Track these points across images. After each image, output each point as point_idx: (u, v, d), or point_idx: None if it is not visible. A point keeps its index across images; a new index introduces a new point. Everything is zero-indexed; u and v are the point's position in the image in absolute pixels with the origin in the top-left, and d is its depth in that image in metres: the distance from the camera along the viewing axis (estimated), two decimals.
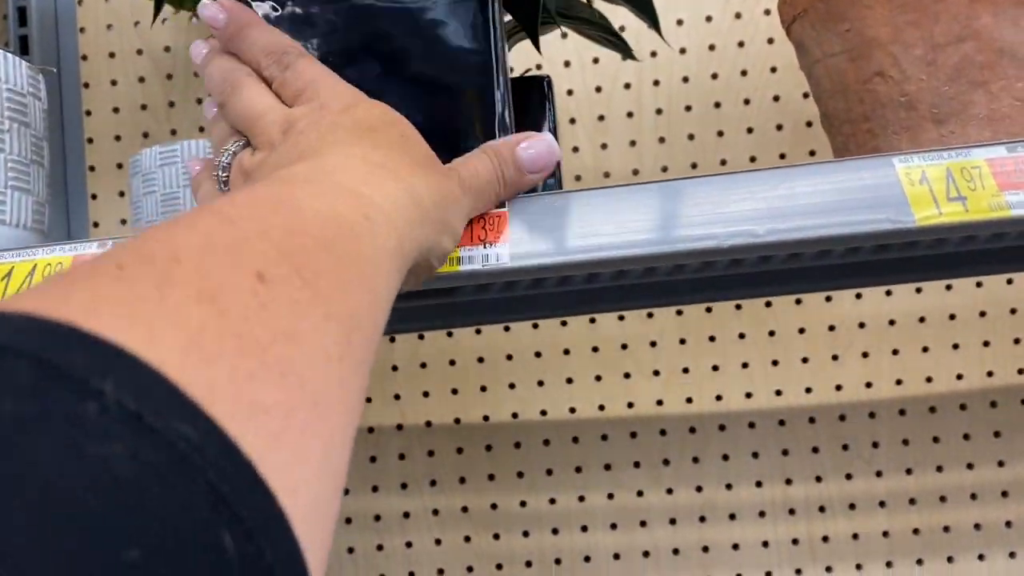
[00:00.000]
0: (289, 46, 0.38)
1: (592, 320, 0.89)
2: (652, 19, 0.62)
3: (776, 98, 0.88)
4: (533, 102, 0.58)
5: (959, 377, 0.87)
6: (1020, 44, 0.42)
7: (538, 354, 0.89)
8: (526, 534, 0.88)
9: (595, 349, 0.89)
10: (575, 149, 0.89)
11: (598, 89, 0.89)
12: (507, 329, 0.90)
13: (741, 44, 0.88)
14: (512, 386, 0.89)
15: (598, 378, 0.89)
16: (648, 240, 0.38)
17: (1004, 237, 0.46)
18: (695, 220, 0.38)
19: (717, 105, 0.89)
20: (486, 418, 0.89)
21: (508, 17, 0.53)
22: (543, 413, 0.89)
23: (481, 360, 0.90)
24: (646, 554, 0.87)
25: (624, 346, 0.89)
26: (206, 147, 0.71)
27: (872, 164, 0.38)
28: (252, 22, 0.38)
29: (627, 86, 0.89)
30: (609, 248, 0.38)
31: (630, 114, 0.89)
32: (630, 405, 0.89)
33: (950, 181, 0.37)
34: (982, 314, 0.87)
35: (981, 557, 0.86)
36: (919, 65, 0.43)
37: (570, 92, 0.89)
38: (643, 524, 0.88)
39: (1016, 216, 0.37)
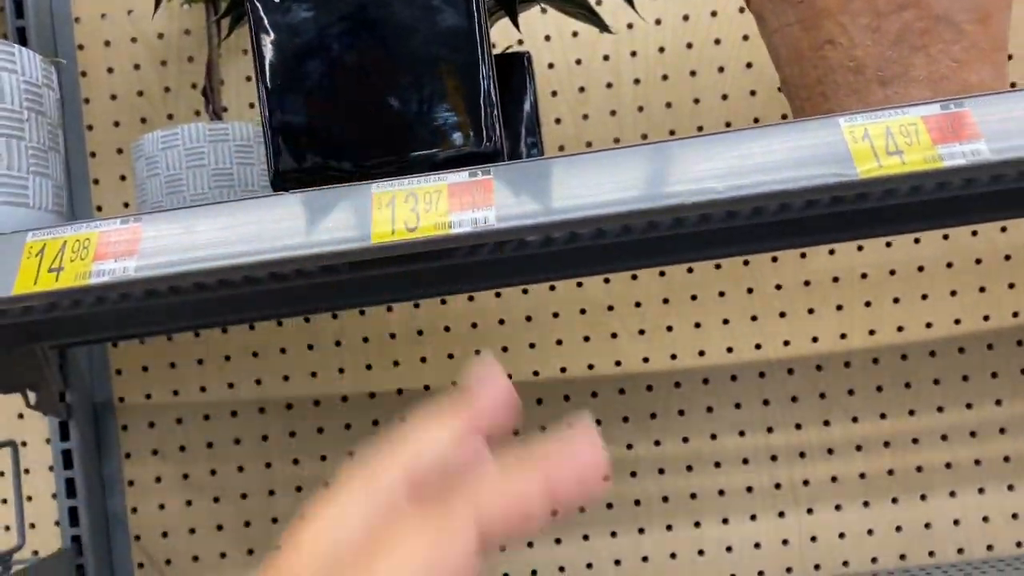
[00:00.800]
0: (473, 486, 0.28)
1: (579, 284, 0.93)
2: None
3: (749, 65, 0.92)
4: (514, 78, 0.62)
5: (928, 326, 0.91)
6: (955, 11, 0.46)
7: (528, 318, 0.94)
8: None
9: (583, 311, 0.93)
10: (557, 120, 0.93)
11: (578, 61, 0.93)
12: (498, 295, 0.94)
13: (714, 14, 0.92)
14: (505, 349, 0.94)
15: (586, 339, 0.93)
16: (620, 199, 0.42)
17: (947, 187, 0.50)
18: (663, 180, 0.42)
19: (693, 74, 0.93)
20: None
21: None
22: (535, 374, 0.94)
23: (475, 326, 0.94)
24: (637, 503, 0.92)
25: (610, 308, 0.93)
26: (206, 131, 0.74)
27: (820, 124, 0.42)
28: (480, 421, 0.31)
29: (606, 58, 0.93)
30: (585, 208, 0.42)
31: (609, 85, 0.93)
32: (618, 363, 0.93)
33: (889, 137, 0.42)
34: (949, 265, 0.91)
35: (953, 494, 0.91)
36: (865, 32, 0.47)
37: (551, 65, 0.93)
38: (633, 475, 0.93)
39: (948, 167, 0.41)
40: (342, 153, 0.46)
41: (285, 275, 0.52)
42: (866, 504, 0.92)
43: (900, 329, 0.92)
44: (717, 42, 0.92)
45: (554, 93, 0.93)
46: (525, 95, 0.61)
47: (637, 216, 0.42)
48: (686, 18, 0.92)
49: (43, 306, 0.53)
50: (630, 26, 0.92)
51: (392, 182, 0.44)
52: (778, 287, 0.92)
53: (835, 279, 0.92)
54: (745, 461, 0.92)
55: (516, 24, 0.59)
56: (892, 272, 0.92)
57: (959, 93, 0.47)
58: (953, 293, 0.91)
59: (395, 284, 0.73)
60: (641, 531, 0.92)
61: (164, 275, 0.43)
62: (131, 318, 0.74)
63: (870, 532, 0.91)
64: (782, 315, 0.92)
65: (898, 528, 0.91)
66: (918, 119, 0.42)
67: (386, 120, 0.46)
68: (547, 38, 0.93)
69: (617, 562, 0.93)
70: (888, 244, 0.92)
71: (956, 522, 0.91)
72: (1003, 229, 0.91)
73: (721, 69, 0.92)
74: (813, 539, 0.92)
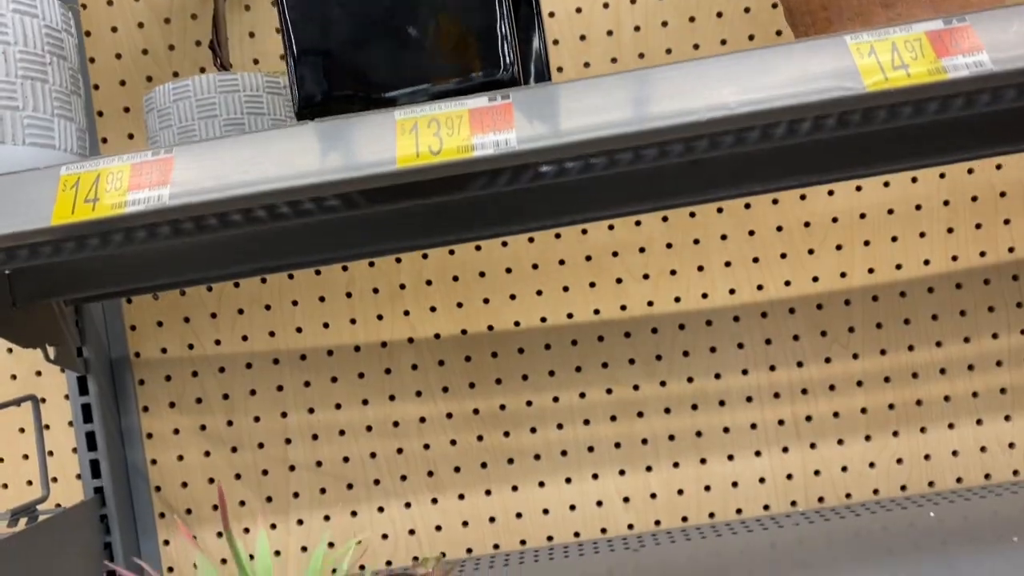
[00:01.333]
0: None
1: (584, 232, 0.95)
2: None
3: (747, 10, 0.93)
4: (522, 18, 0.63)
5: (926, 263, 0.94)
6: None
7: (535, 266, 0.95)
8: (533, 430, 0.95)
9: (588, 258, 0.95)
10: (560, 69, 0.94)
11: (578, 10, 0.94)
12: (504, 244, 0.95)
13: None
14: (513, 297, 0.96)
15: (592, 284, 0.95)
16: (639, 116, 0.43)
17: (950, 107, 0.52)
18: (681, 98, 0.44)
19: (692, 20, 0.94)
20: (490, 327, 0.96)
21: None
22: (543, 320, 0.95)
23: (482, 275, 0.96)
24: (644, 442, 0.95)
25: (615, 253, 0.95)
26: (216, 82, 0.75)
27: (827, 43, 0.44)
28: None
29: (606, 6, 0.94)
30: (606, 127, 0.44)
31: (610, 32, 0.94)
32: (623, 307, 0.95)
33: (895, 53, 0.43)
34: (945, 203, 0.93)
35: (951, 426, 0.94)
36: None
37: (552, 14, 0.94)
38: (640, 415, 0.95)
39: (952, 78, 0.43)
40: (365, 83, 0.48)
41: (308, 209, 0.54)
42: (867, 438, 0.94)
43: (899, 267, 0.94)
44: None
45: (556, 42, 0.94)
46: (533, 33, 0.62)
47: (654, 135, 0.44)
48: None
49: (73, 245, 0.54)
50: None
51: (414, 108, 0.45)
52: (779, 229, 0.94)
53: (834, 219, 0.94)
54: (749, 399, 0.95)
55: None
56: (890, 211, 0.93)
57: (960, 11, 0.48)
58: (950, 230, 0.93)
59: (407, 229, 0.75)
60: (649, 469, 0.95)
61: (198, 202, 0.45)
62: (149, 267, 0.75)
63: (872, 465, 0.94)
64: (783, 256, 0.94)
65: (899, 460, 0.94)
66: (922, 34, 0.44)
67: (407, 50, 0.48)
68: None
69: (626, 499, 0.95)
70: (886, 184, 0.93)
71: (955, 453, 0.94)
72: (998, 167, 0.93)
73: (720, 14, 0.93)
74: (816, 473, 0.94)
